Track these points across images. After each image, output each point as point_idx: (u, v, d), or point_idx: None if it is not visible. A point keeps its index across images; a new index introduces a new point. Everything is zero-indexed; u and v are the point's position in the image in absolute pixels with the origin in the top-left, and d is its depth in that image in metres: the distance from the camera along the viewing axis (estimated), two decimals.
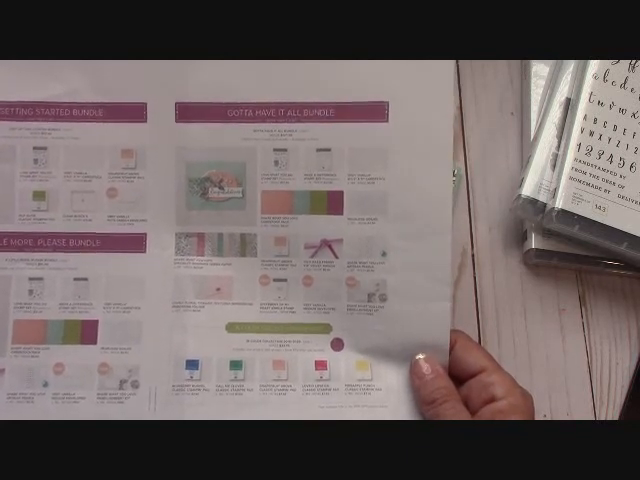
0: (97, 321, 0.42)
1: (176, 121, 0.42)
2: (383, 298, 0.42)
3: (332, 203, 0.42)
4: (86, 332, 0.42)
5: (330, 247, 0.42)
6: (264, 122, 0.42)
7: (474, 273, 0.48)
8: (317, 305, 0.42)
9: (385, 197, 0.42)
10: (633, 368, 0.47)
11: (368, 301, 0.42)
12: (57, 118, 0.42)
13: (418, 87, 0.41)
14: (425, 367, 0.41)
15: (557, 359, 0.47)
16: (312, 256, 0.42)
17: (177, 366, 0.41)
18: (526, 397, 0.39)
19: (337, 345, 0.42)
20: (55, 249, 0.42)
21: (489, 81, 0.52)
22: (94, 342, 0.42)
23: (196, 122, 0.42)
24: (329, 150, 0.42)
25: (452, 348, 0.41)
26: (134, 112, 0.42)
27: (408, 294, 0.42)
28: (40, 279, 0.42)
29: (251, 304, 0.42)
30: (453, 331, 0.42)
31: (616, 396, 0.46)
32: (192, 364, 0.42)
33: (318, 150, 0.42)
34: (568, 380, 0.47)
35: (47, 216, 0.42)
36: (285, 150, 0.42)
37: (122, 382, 0.41)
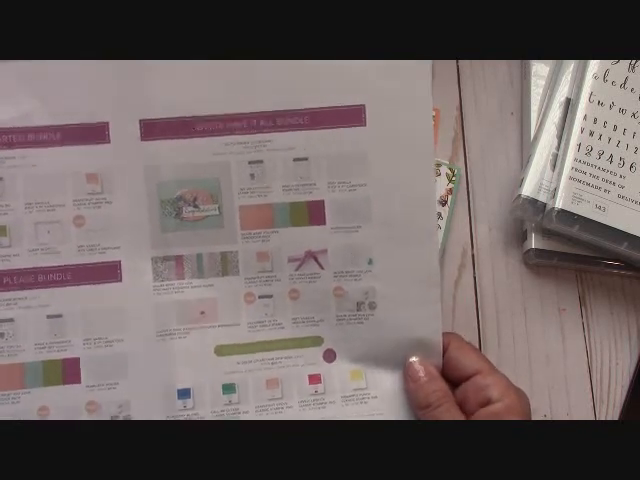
0: (78, 359, 0.40)
1: (141, 139, 0.40)
2: (373, 306, 0.41)
3: (313, 213, 0.41)
4: (68, 371, 0.40)
5: (315, 258, 0.41)
6: (236, 134, 0.40)
7: (474, 273, 0.48)
8: (306, 318, 0.41)
9: (368, 203, 0.41)
10: (633, 368, 0.48)
11: (357, 310, 0.41)
12: (10, 145, 0.39)
13: (395, 88, 0.40)
14: (419, 370, 0.40)
15: (557, 359, 0.48)
16: (297, 269, 0.41)
17: (169, 396, 0.40)
18: (521, 398, 0.39)
19: (329, 356, 0.41)
20: (23, 286, 0.40)
21: (489, 81, 0.51)
22: (78, 381, 0.40)
23: (163, 139, 0.40)
24: (306, 159, 0.40)
25: (445, 350, 0.41)
26: (95, 133, 0.39)
27: (397, 300, 0.41)
28: (11, 320, 0.39)
29: (238, 324, 0.41)
30: (446, 333, 0.41)
31: (616, 396, 0.47)
32: (184, 393, 0.40)
33: (295, 160, 0.40)
34: (568, 380, 0.47)
35: (10, 252, 0.40)
36: (261, 162, 0.40)
37: (113, 419, 0.40)
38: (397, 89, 0.40)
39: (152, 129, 0.40)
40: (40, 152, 0.39)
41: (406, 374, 0.41)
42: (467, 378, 0.40)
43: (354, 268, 0.41)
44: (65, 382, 0.40)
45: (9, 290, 0.39)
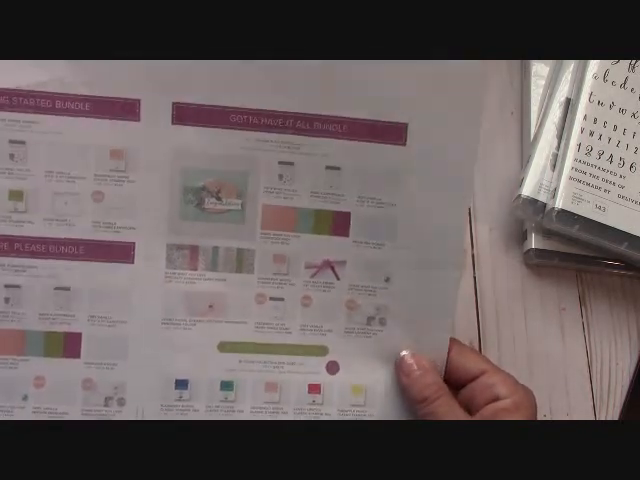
0: (80, 334, 0.39)
1: (172, 122, 0.38)
2: (383, 322, 0.40)
3: (338, 224, 0.40)
4: (69, 345, 0.39)
5: (332, 268, 0.40)
6: (270, 132, 0.38)
7: (474, 273, 0.48)
8: (314, 326, 0.41)
9: (395, 223, 0.39)
10: (633, 368, 0.48)
11: (367, 324, 0.40)
12: (37, 110, 0.38)
13: (442, 107, 0.38)
14: (412, 362, 0.40)
15: (557, 359, 0.48)
16: (312, 276, 0.40)
17: (166, 385, 0.40)
18: (528, 395, 0.39)
19: (332, 368, 0.41)
20: (34, 255, 0.39)
21: (489, 81, 0.50)
22: (77, 356, 0.39)
23: (195, 125, 0.38)
24: (339, 169, 0.39)
25: (448, 355, 0.40)
26: (126, 109, 0.38)
27: (409, 321, 0.40)
28: (17, 286, 0.39)
29: (245, 323, 0.40)
30: None
31: (616, 396, 0.47)
32: (182, 384, 0.40)
33: (327, 168, 0.39)
34: (568, 380, 0.48)
35: (25, 218, 0.39)
36: (291, 164, 0.39)
37: (107, 399, 0.39)
38: (444, 107, 0.38)
39: (185, 113, 0.38)
40: (66, 120, 0.38)
41: (398, 368, 0.40)
42: (472, 379, 0.40)
43: (370, 283, 0.40)
44: (65, 355, 0.39)
45: (19, 256, 0.39)
